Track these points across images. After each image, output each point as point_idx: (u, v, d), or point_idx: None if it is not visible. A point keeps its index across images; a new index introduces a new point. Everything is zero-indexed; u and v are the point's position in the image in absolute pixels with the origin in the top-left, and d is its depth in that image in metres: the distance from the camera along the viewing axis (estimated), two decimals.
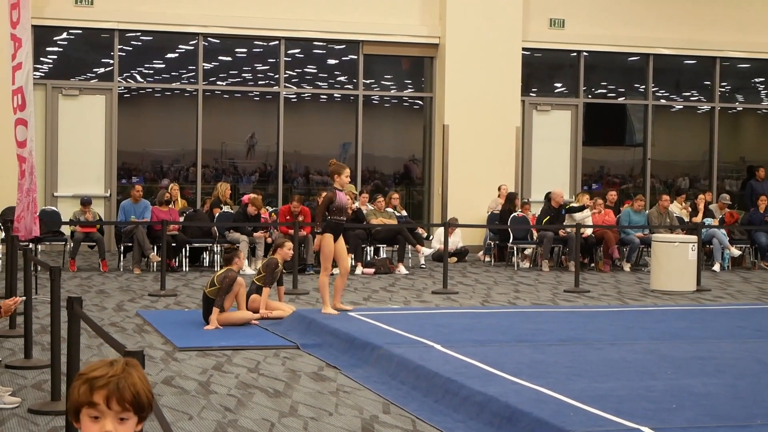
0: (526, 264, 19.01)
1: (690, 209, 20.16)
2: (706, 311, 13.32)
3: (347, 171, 12.09)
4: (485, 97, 21.38)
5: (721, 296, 15.35)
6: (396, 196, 19.87)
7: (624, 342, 10.19)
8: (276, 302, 12.39)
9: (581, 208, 18.54)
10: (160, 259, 15.55)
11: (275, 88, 21.51)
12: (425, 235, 19.91)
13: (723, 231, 19.13)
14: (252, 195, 18.21)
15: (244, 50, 21.76)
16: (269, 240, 17.53)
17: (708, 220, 19.50)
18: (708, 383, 8.15)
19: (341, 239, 12.09)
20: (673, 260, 15.63)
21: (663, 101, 24.00)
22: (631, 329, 11.23)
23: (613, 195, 20.18)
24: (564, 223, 18.36)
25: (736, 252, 19.42)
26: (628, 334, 10.81)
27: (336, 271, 12.35)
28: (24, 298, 9.09)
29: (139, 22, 20.49)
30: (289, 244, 12.75)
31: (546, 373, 8.40)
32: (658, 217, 18.85)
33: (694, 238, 16.12)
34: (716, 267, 18.78)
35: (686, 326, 11.51)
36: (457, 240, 19.58)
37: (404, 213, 19.73)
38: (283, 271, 12.76)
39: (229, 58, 21.83)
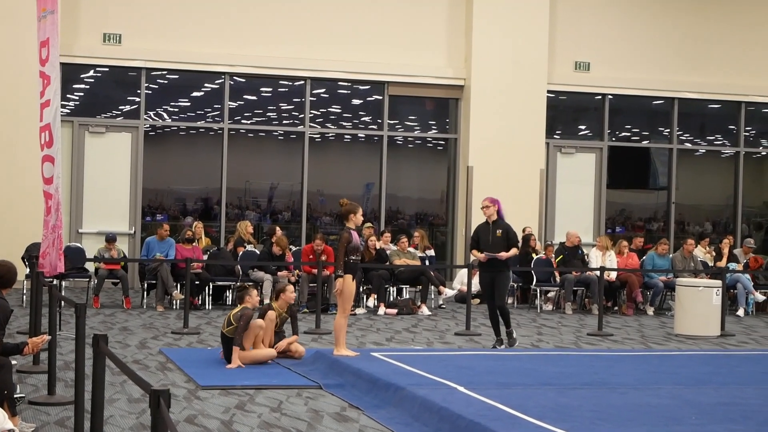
0: (549, 306, 18.94)
1: (714, 254, 20.08)
2: (731, 356, 13.21)
3: (360, 210, 12.09)
4: (510, 139, 21.42)
5: (745, 341, 15.25)
6: (417, 234, 19.75)
7: (648, 387, 10.13)
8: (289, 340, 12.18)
9: None
10: (183, 296, 15.57)
11: (300, 128, 21.60)
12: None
13: (747, 276, 19.03)
14: (278, 233, 18.15)
15: (270, 89, 21.88)
16: (293, 279, 17.53)
17: (732, 265, 19.38)
18: (733, 429, 8.10)
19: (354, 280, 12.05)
20: (698, 305, 15.56)
21: (687, 145, 23.96)
22: (655, 374, 11.17)
23: (639, 240, 20.20)
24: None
25: (760, 297, 19.28)
26: (652, 379, 10.74)
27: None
28: (50, 337, 9.11)
29: (166, 61, 20.64)
30: (290, 288, 12.11)
31: (570, 417, 8.36)
32: (683, 261, 18.78)
33: (719, 282, 16.05)
34: (740, 312, 18.65)
35: (710, 371, 11.43)
36: None
37: (431, 252, 19.62)
38: (289, 315, 12.06)
39: (254, 98, 21.95)
